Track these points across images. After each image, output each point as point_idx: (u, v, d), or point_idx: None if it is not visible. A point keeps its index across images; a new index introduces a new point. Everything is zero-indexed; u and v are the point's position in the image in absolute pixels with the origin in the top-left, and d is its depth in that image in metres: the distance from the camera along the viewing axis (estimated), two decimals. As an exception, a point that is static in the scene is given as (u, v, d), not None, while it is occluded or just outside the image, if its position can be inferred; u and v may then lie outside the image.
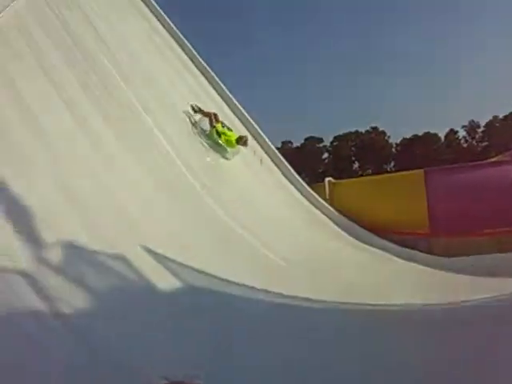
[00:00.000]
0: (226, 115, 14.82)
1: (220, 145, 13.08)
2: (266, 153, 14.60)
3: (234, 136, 13.21)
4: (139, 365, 4.85)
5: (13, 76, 9.95)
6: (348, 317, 7.63)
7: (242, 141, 13.20)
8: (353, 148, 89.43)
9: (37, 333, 5.34)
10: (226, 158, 13.14)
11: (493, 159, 21.10)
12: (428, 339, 6.69)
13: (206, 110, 13.55)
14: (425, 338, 6.74)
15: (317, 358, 5.61)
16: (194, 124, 13.19)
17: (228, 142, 13.04)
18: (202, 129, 13.24)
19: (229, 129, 13.37)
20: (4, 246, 6.62)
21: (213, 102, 15.06)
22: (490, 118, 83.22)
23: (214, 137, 13.05)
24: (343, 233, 12.70)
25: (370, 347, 6.17)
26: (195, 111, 13.39)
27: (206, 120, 13.30)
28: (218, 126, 13.12)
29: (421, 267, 10.89)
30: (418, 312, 8.13)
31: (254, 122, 15.12)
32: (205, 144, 12.96)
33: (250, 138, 14.43)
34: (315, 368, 5.28)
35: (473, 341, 6.32)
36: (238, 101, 15.69)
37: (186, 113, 13.28)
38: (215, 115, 13.28)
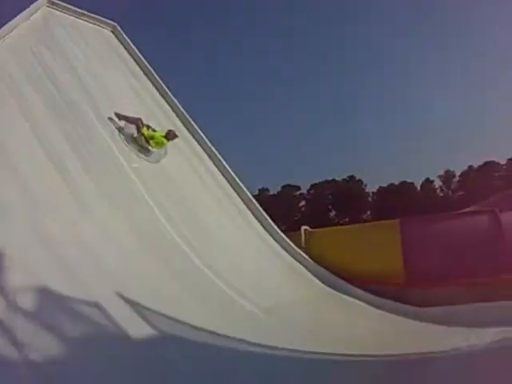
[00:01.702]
0: (201, 159, 14.99)
1: (147, 149, 13.17)
2: (242, 200, 14.54)
3: (161, 135, 13.26)
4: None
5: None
6: (326, 367, 7.58)
7: (170, 135, 13.38)
8: (330, 196, 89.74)
9: (4, 380, 5.22)
10: (154, 161, 13.21)
11: (468, 209, 21.30)
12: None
13: (129, 116, 13.46)
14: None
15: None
16: (120, 129, 13.14)
17: (158, 143, 13.19)
18: (128, 134, 13.21)
19: (154, 130, 13.39)
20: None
21: (187, 142, 15.05)
22: (466, 168, 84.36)
23: (142, 142, 13.09)
24: (319, 282, 12.61)
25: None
26: (119, 118, 13.33)
27: (132, 126, 13.26)
28: (144, 130, 13.14)
29: (397, 317, 10.86)
30: (395, 362, 8.13)
31: (229, 168, 15.07)
32: (133, 149, 12.99)
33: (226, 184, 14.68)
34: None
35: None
36: (211, 142, 15.78)
37: (111, 120, 13.21)
38: (140, 120, 13.26)
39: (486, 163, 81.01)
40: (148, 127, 13.29)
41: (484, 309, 10.65)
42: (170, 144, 13.59)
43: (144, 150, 13.13)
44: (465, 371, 7.20)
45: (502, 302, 10.85)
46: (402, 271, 12.43)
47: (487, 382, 6.63)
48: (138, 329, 7.25)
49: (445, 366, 7.75)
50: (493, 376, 6.83)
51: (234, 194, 14.55)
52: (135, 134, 13.18)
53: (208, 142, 15.50)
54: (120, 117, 13.28)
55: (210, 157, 15.23)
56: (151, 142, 13.07)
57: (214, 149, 15.40)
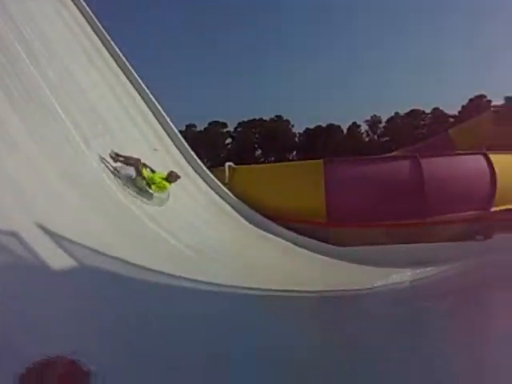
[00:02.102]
0: (129, 93, 14.53)
1: (147, 191, 11.71)
2: (168, 135, 14.36)
3: (161, 178, 11.81)
4: (20, 342, 4.69)
5: None
6: (251, 301, 7.77)
7: (172, 177, 11.95)
8: (256, 135, 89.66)
9: None
10: (158, 205, 11.64)
11: (391, 154, 21.68)
12: (325, 323, 6.93)
13: (127, 156, 11.80)
14: (325, 321, 6.98)
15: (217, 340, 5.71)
16: (115, 172, 11.50)
17: (160, 188, 11.76)
18: (126, 176, 11.68)
19: (152, 170, 11.88)
20: None
21: (117, 77, 14.62)
22: (392, 114, 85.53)
23: (143, 184, 11.66)
24: (243, 220, 12.71)
25: (276, 332, 6.32)
26: (115, 160, 11.65)
27: (129, 168, 11.75)
28: (144, 172, 11.71)
29: (319, 256, 11.11)
30: (316, 299, 8.38)
31: (156, 102, 14.79)
32: (132, 192, 11.41)
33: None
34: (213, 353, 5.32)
35: (371, 325, 6.59)
36: (141, 78, 15.23)
37: (104, 161, 11.41)
38: (139, 161, 11.77)
39: (412, 111, 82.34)
40: (145, 166, 11.84)
41: (404, 249, 11.05)
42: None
43: (144, 192, 11.72)
44: (385, 309, 7.49)
45: (422, 244, 11.27)
46: (324, 210, 12.67)
47: (407, 320, 6.93)
48: (59, 260, 7.17)
49: (365, 304, 8.05)
50: (413, 314, 7.15)
51: (160, 129, 14.35)
52: (134, 176, 11.73)
53: (134, 73, 15.12)
54: (117, 158, 11.64)
55: (136, 89, 14.88)
56: (153, 186, 11.72)
57: (141, 81, 15.04)
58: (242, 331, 6.20)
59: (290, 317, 7.30)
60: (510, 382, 5.17)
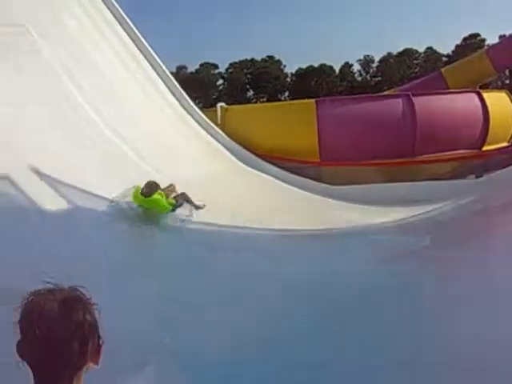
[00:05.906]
0: (118, 34, 14.09)
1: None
2: (160, 77, 14.12)
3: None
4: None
5: None
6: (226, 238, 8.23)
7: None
8: (248, 76, 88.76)
9: None
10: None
11: (383, 93, 21.50)
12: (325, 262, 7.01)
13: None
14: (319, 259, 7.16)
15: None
16: None
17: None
18: None
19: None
20: None
21: (105, 21, 14.21)
22: (385, 53, 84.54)
23: None
24: (233, 158, 12.66)
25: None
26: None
27: None
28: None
29: (309, 194, 11.13)
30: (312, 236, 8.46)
31: (146, 44, 14.45)
32: None
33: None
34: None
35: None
36: (130, 20, 14.76)
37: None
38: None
39: (404, 50, 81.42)
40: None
41: (393, 188, 11.08)
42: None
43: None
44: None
45: (412, 183, 11.31)
46: (316, 150, 12.65)
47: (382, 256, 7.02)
48: (50, 201, 7.21)
49: (343, 241, 8.14)
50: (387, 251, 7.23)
51: (151, 71, 14.09)
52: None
53: (124, 15, 14.66)
54: None
55: (125, 31, 14.40)
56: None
57: (130, 23, 14.58)
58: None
59: (281, 255, 7.35)
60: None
